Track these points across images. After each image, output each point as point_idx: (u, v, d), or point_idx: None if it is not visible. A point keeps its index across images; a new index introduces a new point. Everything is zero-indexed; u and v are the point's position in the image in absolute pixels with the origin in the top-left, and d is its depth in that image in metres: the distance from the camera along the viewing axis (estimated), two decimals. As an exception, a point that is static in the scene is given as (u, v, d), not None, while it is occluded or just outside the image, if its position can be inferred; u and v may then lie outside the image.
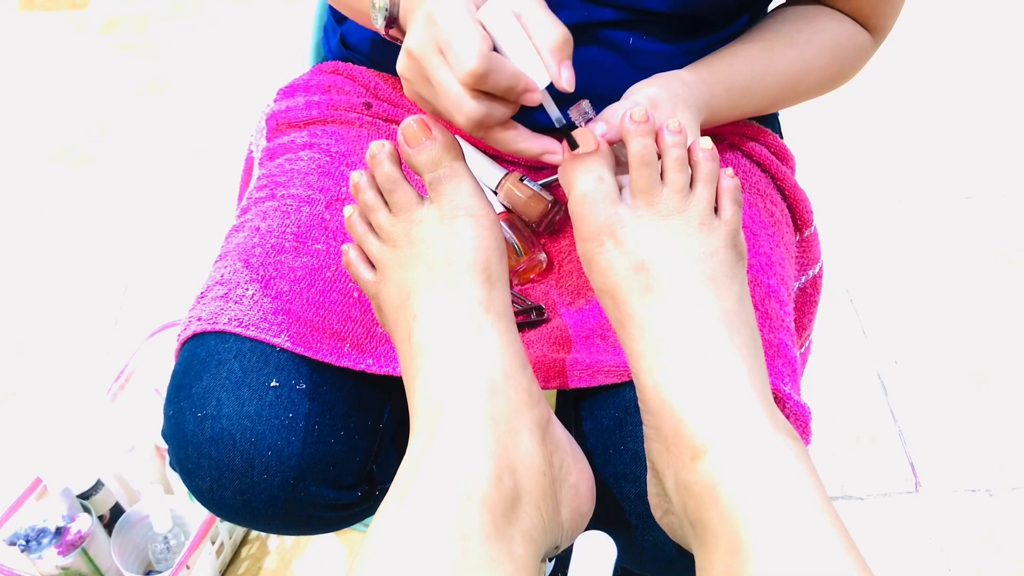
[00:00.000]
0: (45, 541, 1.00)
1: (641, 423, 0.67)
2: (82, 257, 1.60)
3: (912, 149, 1.83)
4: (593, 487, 0.61)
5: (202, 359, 0.70)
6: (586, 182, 0.57)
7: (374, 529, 0.51)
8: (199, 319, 0.71)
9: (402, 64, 0.59)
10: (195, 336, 0.71)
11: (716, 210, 0.58)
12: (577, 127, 0.59)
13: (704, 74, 0.72)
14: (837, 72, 0.80)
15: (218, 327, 0.70)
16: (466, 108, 0.55)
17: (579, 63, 0.64)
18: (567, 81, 0.56)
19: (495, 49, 0.56)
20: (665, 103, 0.65)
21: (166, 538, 1.08)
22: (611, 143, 0.59)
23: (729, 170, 0.59)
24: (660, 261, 0.55)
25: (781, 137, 0.89)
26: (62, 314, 1.50)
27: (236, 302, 0.71)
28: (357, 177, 0.62)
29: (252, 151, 0.88)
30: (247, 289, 0.71)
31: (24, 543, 1.00)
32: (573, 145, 0.58)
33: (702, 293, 0.55)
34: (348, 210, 0.63)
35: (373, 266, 0.63)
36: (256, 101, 1.83)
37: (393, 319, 0.61)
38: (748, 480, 0.48)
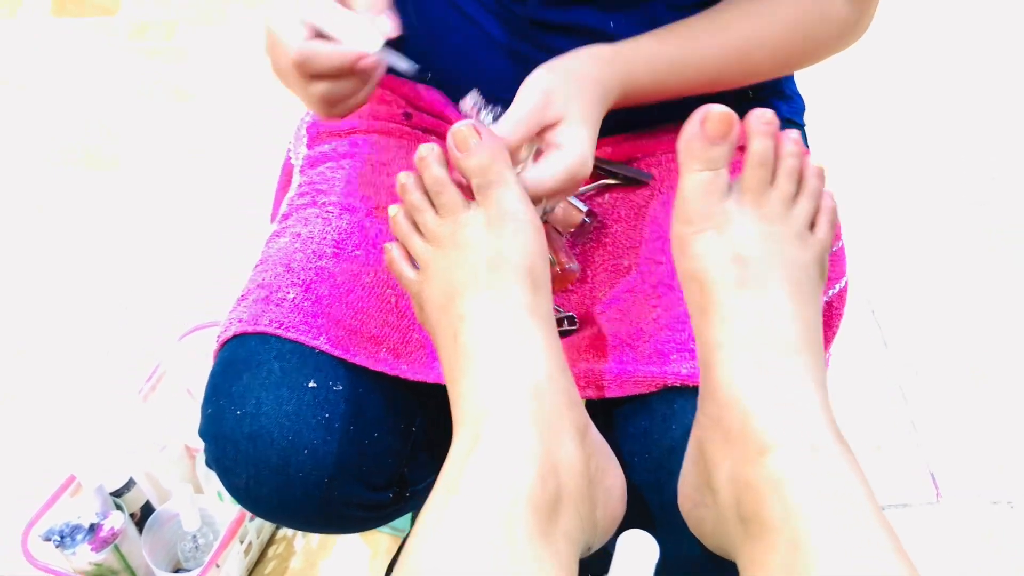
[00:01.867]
0: (79, 537, 1.02)
1: (665, 432, 0.68)
2: (108, 262, 1.62)
3: (933, 160, 1.83)
4: (625, 490, 0.63)
5: (243, 359, 0.71)
6: (704, 168, 0.57)
7: (422, 524, 0.52)
8: (240, 320, 0.73)
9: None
10: (235, 337, 0.73)
11: (811, 226, 0.59)
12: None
13: (627, 49, 0.73)
14: (801, 45, 0.77)
15: (259, 328, 0.71)
16: (310, 93, 0.64)
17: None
18: (384, 33, 0.61)
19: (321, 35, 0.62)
20: (558, 97, 0.67)
21: (195, 537, 1.10)
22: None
23: (832, 192, 0.61)
24: (757, 259, 0.56)
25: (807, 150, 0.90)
26: (95, 316, 1.53)
27: (277, 305, 0.72)
28: (404, 178, 0.64)
29: (291, 158, 0.89)
30: (288, 292, 0.73)
31: (59, 539, 1.01)
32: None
33: (790, 299, 0.56)
34: (393, 209, 0.65)
35: (415, 265, 0.64)
36: (283, 108, 1.84)
37: (436, 319, 0.62)
38: (815, 481, 0.49)
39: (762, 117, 0.58)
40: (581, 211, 0.81)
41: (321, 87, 0.63)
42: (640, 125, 0.85)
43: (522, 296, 0.59)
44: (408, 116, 0.85)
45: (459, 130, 0.61)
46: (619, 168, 0.82)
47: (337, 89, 0.64)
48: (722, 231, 0.57)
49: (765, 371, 0.54)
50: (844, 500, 0.49)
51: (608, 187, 0.83)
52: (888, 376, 1.43)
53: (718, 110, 0.56)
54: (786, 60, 0.77)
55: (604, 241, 0.82)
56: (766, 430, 0.52)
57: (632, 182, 0.83)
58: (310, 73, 0.62)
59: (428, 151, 0.62)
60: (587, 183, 0.84)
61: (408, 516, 1.13)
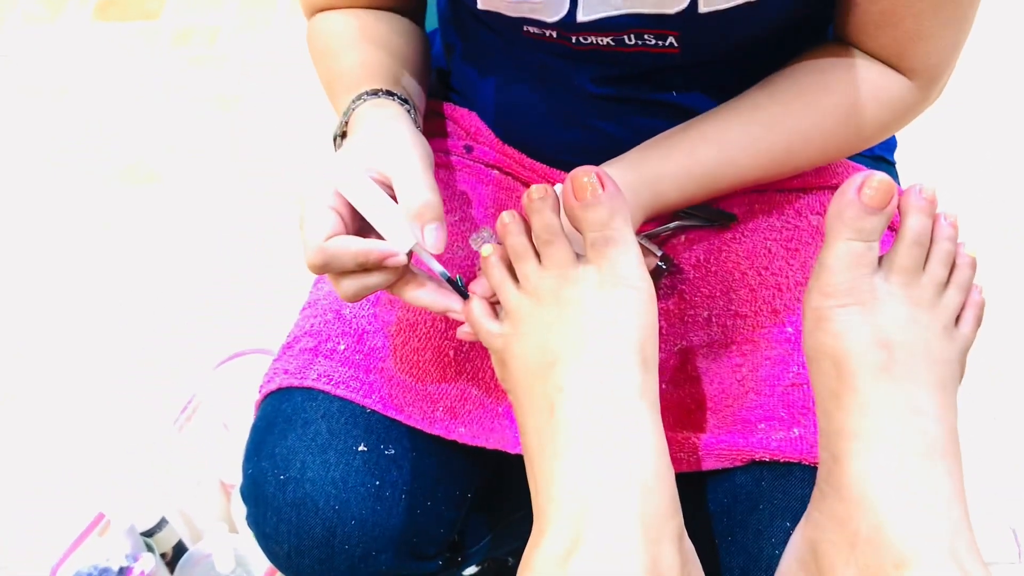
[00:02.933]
0: (107, 581, 0.97)
1: (751, 512, 0.62)
2: (144, 278, 1.58)
3: (949, 156, 1.73)
4: None
5: (287, 416, 0.66)
6: (854, 238, 0.52)
7: None
8: (286, 372, 0.68)
9: None
10: (280, 390, 0.68)
11: (956, 319, 0.54)
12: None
13: (650, 170, 0.66)
14: (856, 134, 0.68)
15: (306, 383, 0.66)
16: (340, 291, 0.57)
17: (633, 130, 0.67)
18: (431, 244, 0.56)
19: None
20: None
21: (228, 579, 1.05)
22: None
23: (981, 287, 0.56)
24: (904, 346, 0.51)
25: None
26: (131, 336, 1.49)
27: (327, 357, 0.67)
28: (508, 218, 0.57)
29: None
30: (339, 343, 0.68)
31: (86, 582, 0.97)
32: (464, 295, 0.59)
33: (934, 397, 0.51)
34: (488, 249, 0.58)
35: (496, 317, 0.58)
36: (328, 118, 1.80)
37: (525, 382, 0.55)
38: None
39: (922, 192, 0.53)
40: (655, 255, 0.74)
41: (348, 284, 0.57)
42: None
43: (632, 375, 0.53)
44: (469, 149, 0.79)
45: (579, 176, 0.54)
46: (699, 208, 0.75)
47: (369, 283, 0.57)
48: (867, 309, 0.52)
49: (905, 473, 0.48)
50: None
51: (685, 228, 0.76)
52: (967, 428, 1.33)
53: (879, 178, 0.51)
54: (837, 151, 0.69)
55: (680, 288, 0.75)
56: (905, 540, 0.47)
57: (713, 223, 0.75)
58: (328, 273, 0.57)
59: (542, 194, 0.55)
60: (662, 223, 0.77)
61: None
